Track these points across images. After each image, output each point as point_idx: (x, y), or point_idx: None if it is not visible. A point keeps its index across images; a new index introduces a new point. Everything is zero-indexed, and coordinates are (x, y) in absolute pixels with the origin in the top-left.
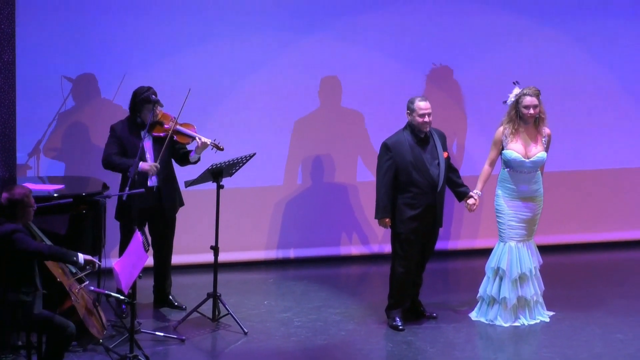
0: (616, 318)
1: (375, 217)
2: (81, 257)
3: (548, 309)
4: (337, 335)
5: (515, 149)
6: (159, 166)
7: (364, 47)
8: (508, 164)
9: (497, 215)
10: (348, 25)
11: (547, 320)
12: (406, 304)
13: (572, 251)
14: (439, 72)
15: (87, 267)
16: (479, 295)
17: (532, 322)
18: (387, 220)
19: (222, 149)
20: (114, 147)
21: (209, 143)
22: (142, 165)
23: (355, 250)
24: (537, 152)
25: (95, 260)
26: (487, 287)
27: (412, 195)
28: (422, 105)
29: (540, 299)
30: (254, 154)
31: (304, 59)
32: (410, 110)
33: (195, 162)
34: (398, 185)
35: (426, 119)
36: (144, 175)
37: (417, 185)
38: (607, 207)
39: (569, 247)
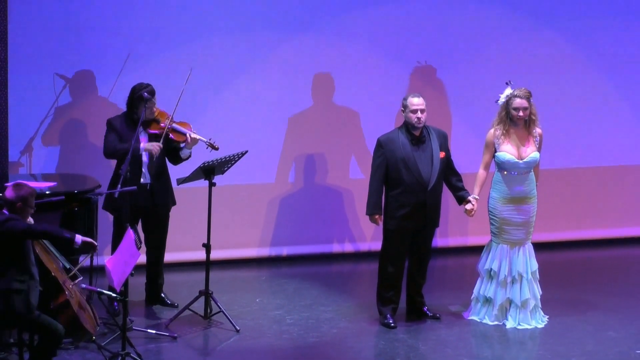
0: (608, 316)
1: (366, 213)
2: (79, 237)
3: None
4: (329, 332)
5: (507, 151)
6: (161, 145)
7: (356, 44)
8: (502, 165)
9: (490, 217)
10: (341, 22)
11: (541, 326)
12: (397, 301)
13: (563, 249)
14: (428, 69)
15: (85, 249)
16: (473, 296)
17: (525, 327)
18: (377, 216)
19: (217, 149)
20: (113, 136)
21: (198, 139)
22: (146, 145)
23: (348, 247)
24: (530, 152)
25: (94, 242)
26: (480, 288)
27: (401, 193)
28: (414, 101)
29: (539, 304)
30: (246, 152)
31: (296, 56)
32: (404, 107)
33: (186, 158)
34: (389, 182)
35: (418, 114)
36: (137, 172)
37: (406, 183)
38: (599, 205)
39: (561, 245)
